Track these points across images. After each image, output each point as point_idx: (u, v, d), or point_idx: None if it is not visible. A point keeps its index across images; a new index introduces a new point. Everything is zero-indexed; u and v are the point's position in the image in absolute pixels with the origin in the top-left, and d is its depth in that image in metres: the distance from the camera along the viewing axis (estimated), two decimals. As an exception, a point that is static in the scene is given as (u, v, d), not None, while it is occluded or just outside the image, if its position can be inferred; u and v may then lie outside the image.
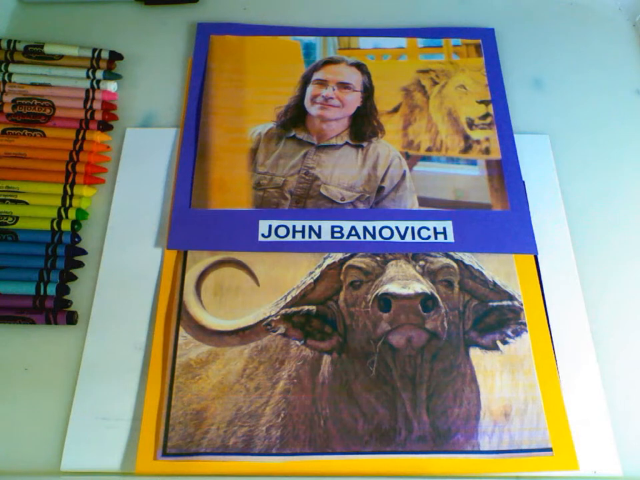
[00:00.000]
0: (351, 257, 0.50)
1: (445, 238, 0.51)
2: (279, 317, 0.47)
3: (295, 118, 0.57)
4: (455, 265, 0.50)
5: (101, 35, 0.62)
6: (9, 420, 0.44)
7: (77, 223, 0.51)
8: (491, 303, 0.48)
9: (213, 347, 0.46)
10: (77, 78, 0.58)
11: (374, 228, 0.51)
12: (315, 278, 0.49)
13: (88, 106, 0.56)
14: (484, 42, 0.62)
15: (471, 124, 0.57)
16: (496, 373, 0.46)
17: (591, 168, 0.56)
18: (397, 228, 0.51)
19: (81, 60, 0.59)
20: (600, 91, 0.61)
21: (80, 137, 0.55)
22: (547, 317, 0.49)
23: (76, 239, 0.51)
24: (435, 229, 0.51)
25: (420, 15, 0.65)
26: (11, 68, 0.58)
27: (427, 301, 0.47)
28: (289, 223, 0.51)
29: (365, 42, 0.62)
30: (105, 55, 0.59)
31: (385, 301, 0.47)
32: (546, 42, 0.64)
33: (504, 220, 0.52)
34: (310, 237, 0.51)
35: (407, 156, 0.55)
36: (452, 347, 0.46)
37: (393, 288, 0.47)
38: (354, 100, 0.58)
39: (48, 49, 0.59)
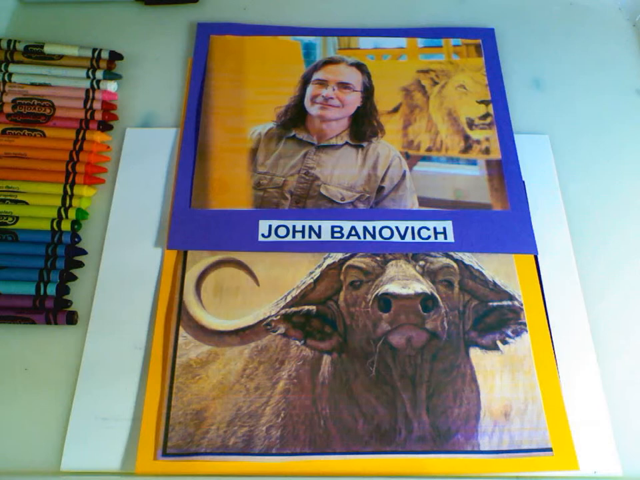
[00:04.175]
0: (351, 257, 0.50)
1: (445, 238, 0.51)
2: (278, 317, 0.47)
3: (295, 118, 0.57)
4: (454, 264, 0.50)
5: (101, 35, 0.62)
6: (9, 420, 0.44)
7: (77, 223, 0.51)
8: (491, 303, 0.48)
9: (213, 347, 0.46)
10: (77, 78, 0.58)
11: (374, 228, 0.51)
12: (315, 278, 0.49)
13: (88, 106, 0.56)
14: (484, 42, 0.62)
15: (470, 124, 0.57)
16: (496, 373, 0.46)
17: (591, 168, 0.56)
18: (397, 228, 0.51)
19: (80, 60, 0.59)
20: (600, 91, 0.61)
21: (80, 137, 0.55)
22: (547, 317, 0.49)
23: (76, 239, 0.51)
24: (435, 229, 0.51)
25: (420, 15, 0.65)
26: (11, 68, 0.58)
27: (426, 301, 0.47)
28: (289, 223, 0.51)
29: (365, 42, 0.62)
30: (105, 55, 0.59)
31: (385, 301, 0.47)
32: (546, 42, 0.64)
33: (504, 220, 0.52)
34: (310, 237, 0.51)
35: (407, 156, 0.55)
36: (452, 347, 0.46)
37: (393, 288, 0.47)
38: (354, 100, 0.58)
39: (48, 49, 0.59)
